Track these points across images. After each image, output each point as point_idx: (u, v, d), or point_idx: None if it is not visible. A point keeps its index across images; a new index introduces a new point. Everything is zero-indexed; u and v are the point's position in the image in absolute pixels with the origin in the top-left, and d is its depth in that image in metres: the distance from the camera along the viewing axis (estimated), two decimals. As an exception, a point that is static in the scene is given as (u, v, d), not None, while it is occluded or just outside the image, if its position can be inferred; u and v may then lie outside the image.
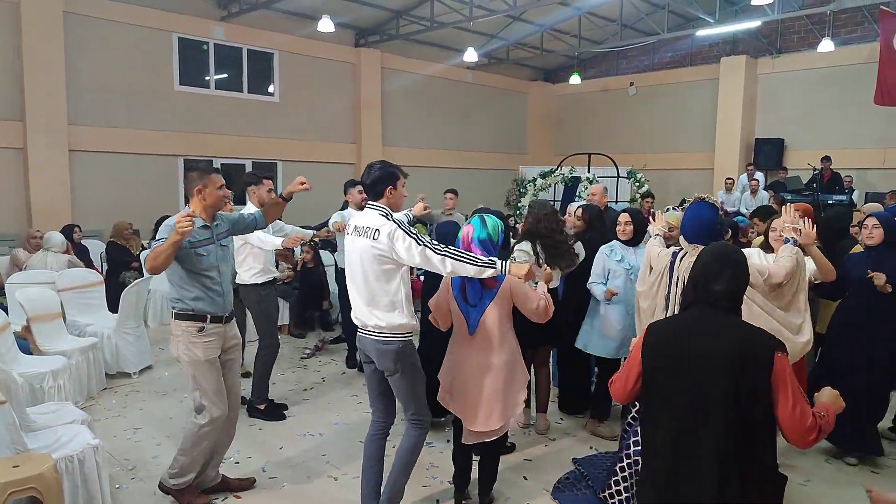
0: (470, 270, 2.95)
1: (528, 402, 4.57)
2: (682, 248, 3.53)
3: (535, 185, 11.76)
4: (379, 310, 3.02)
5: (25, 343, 4.97)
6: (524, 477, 3.88)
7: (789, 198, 11.17)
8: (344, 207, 6.24)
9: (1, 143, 8.90)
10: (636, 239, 4.31)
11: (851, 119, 12.05)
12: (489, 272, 2.95)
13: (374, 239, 2.95)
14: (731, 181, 11.85)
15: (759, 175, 12.07)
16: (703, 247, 2.64)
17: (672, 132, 14.52)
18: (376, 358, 3.11)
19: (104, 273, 7.75)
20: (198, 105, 10.79)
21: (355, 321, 3.15)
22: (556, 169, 11.74)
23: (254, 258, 4.75)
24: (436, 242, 2.97)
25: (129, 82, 9.94)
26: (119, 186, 9.84)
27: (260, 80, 11.74)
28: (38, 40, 8.90)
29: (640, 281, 3.78)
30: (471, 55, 12.27)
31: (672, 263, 3.49)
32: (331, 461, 4.08)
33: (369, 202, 3.10)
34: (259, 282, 4.77)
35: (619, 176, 11.52)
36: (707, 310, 2.13)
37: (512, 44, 13.88)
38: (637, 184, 11.47)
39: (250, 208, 4.49)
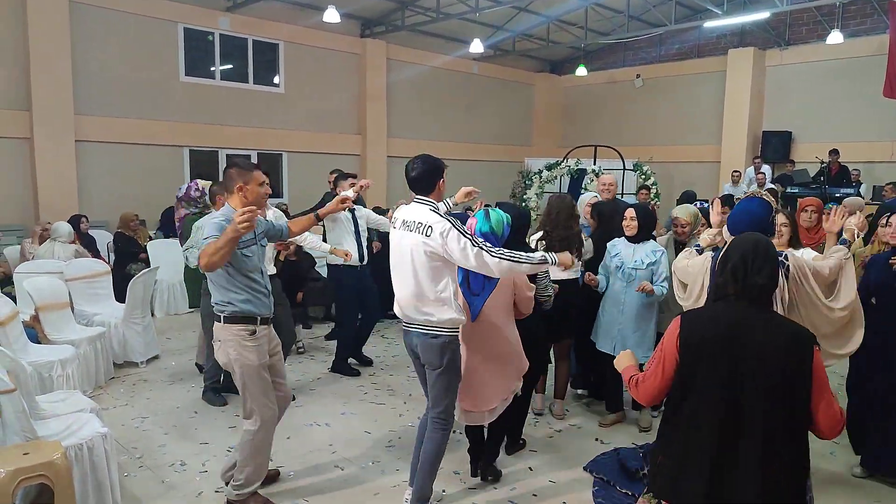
0: (525, 269, 2.99)
1: (543, 389, 4.68)
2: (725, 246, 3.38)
3: (540, 177, 11.75)
4: (427, 305, 3.04)
5: (34, 332, 5.00)
6: (529, 468, 3.90)
7: (795, 191, 11.16)
8: (328, 198, 6.31)
9: (8, 133, 8.92)
10: (640, 235, 4.26)
11: (860, 112, 11.96)
12: (544, 268, 3.06)
13: (426, 235, 2.95)
14: (737, 174, 11.80)
15: (766, 168, 12.01)
16: None
17: (679, 125, 14.45)
18: (422, 352, 3.13)
19: (111, 263, 7.78)
20: (203, 96, 10.78)
21: (399, 315, 3.17)
22: (562, 161, 11.72)
23: None
24: (488, 244, 2.97)
25: (135, 73, 9.95)
26: (125, 177, 9.86)
27: (265, 71, 11.72)
28: (44, 30, 8.91)
29: (683, 298, 3.54)
30: (476, 46, 12.22)
31: (713, 266, 3.29)
32: (337, 451, 4.10)
33: (417, 196, 3.11)
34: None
35: (625, 168, 11.50)
36: (745, 302, 2.08)
37: (518, 35, 13.80)
38: (643, 176, 11.44)
39: (277, 216, 4.57)
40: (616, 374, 4.47)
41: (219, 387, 4.89)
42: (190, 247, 4.54)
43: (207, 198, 5.27)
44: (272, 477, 3.64)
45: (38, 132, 8.99)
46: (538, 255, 3.03)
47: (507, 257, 2.93)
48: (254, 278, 3.22)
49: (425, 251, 2.97)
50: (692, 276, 3.41)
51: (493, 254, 2.90)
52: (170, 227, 8.64)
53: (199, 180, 5.74)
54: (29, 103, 8.95)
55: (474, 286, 3.32)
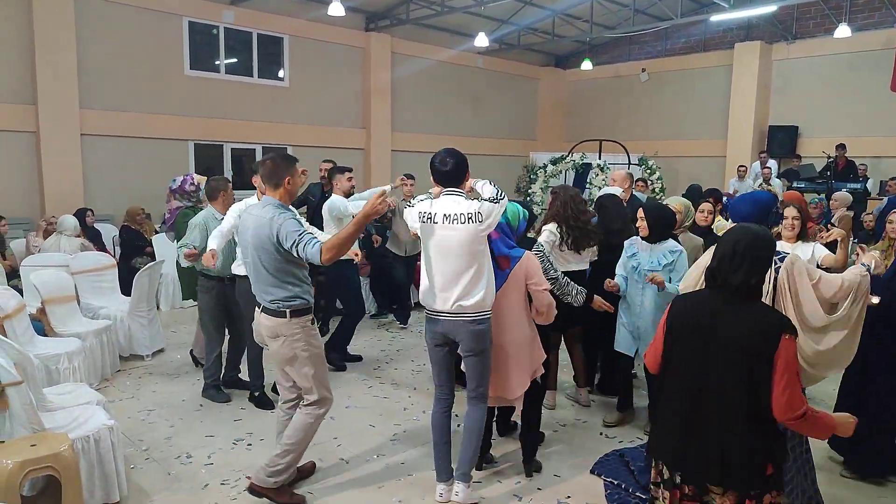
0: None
1: (555, 384, 4.69)
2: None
3: (545, 171, 11.72)
4: (478, 292, 3.12)
5: (40, 325, 5.03)
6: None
7: (801, 186, 11.11)
8: (313, 189, 6.35)
9: (13, 127, 8.94)
10: (654, 235, 4.08)
11: (867, 106, 11.88)
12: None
13: (479, 223, 3.05)
14: (743, 169, 11.74)
15: (772, 163, 11.96)
16: None
17: (684, 119, 14.38)
18: (467, 338, 3.17)
19: (117, 257, 7.80)
20: (208, 89, 10.78)
21: (437, 306, 3.19)
22: (567, 155, 11.68)
23: None
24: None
25: (140, 66, 9.94)
26: (130, 170, 9.87)
27: (270, 65, 11.70)
28: (49, 24, 8.91)
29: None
30: (481, 40, 12.17)
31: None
32: (342, 445, 4.11)
33: (448, 189, 3.16)
34: None
35: (629, 163, 11.46)
36: (726, 293, 2.22)
37: (523, 29, 13.75)
38: (648, 171, 11.40)
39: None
40: (628, 373, 4.45)
41: (220, 383, 4.90)
42: (185, 244, 4.46)
43: (203, 193, 5.26)
44: (309, 469, 3.67)
45: (43, 126, 9.01)
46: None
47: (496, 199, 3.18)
48: (306, 269, 3.26)
49: (480, 237, 3.08)
50: (696, 273, 3.38)
51: (495, 201, 3.15)
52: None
53: (194, 174, 5.73)
54: (35, 97, 8.96)
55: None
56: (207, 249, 4.17)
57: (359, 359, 5.84)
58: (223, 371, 4.98)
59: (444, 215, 3.09)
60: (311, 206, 6.45)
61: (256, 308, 3.30)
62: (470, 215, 3.05)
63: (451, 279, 3.12)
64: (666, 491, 2.29)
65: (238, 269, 4.40)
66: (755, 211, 3.14)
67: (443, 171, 3.15)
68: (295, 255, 3.01)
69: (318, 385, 3.28)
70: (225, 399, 4.79)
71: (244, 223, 3.27)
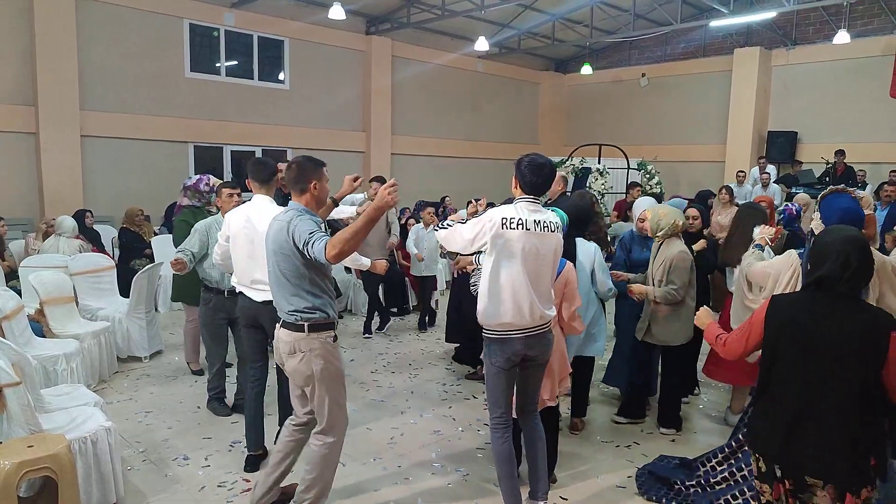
0: None
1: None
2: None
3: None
4: (553, 302, 3.13)
5: (39, 326, 5.03)
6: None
7: (800, 192, 11.11)
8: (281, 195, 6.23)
9: (13, 129, 8.95)
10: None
11: (866, 112, 11.92)
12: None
13: (561, 233, 3.08)
14: (742, 174, 11.76)
15: (771, 168, 11.97)
16: None
17: (684, 124, 14.41)
18: (545, 351, 3.12)
19: (116, 258, 7.80)
20: (208, 92, 10.80)
21: (524, 321, 2.98)
22: (567, 160, 11.70)
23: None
24: None
25: (141, 68, 9.97)
26: (130, 172, 9.89)
27: (270, 68, 11.73)
28: (50, 26, 8.93)
29: (753, 300, 3.54)
30: (482, 44, 12.21)
31: (805, 264, 3.12)
32: (339, 447, 4.11)
33: (527, 197, 3.01)
34: None
35: (629, 167, 11.48)
36: (831, 292, 2.26)
37: (523, 33, 13.79)
38: (648, 175, 11.43)
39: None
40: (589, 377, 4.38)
41: (223, 396, 4.68)
42: (183, 250, 4.23)
43: (214, 196, 5.02)
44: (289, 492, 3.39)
45: (43, 127, 9.02)
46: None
47: None
48: (329, 280, 3.06)
49: (559, 249, 3.09)
50: (773, 274, 3.36)
51: None
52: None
53: (211, 176, 5.59)
54: (35, 99, 8.98)
55: None
56: (174, 255, 4.04)
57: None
58: (235, 395, 4.69)
59: (536, 221, 2.95)
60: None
61: (277, 325, 3.07)
62: (556, 224, 3.05)
63: (541, 289, 3.00)
64: (766, 484, 2.37)
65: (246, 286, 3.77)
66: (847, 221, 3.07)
67: (537, 181, 2.99)
68: (306, 255, 2.81)
69: (334, 409, 3.02)
70: (226, 412, 4.57)
71: (268, 231, 3.06)
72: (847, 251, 2.23)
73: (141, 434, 4.24)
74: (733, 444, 3.33)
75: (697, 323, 2.81)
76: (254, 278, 3.61)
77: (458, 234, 3.00)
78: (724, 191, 8.53)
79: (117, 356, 5.56)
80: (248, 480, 3.64)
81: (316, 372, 2.94)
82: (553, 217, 3.06)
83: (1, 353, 3.12)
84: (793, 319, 2.30)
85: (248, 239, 3.60)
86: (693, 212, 4.88)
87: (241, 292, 3.71)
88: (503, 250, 2.93)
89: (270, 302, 3.29)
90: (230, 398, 4.73)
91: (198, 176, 5.59)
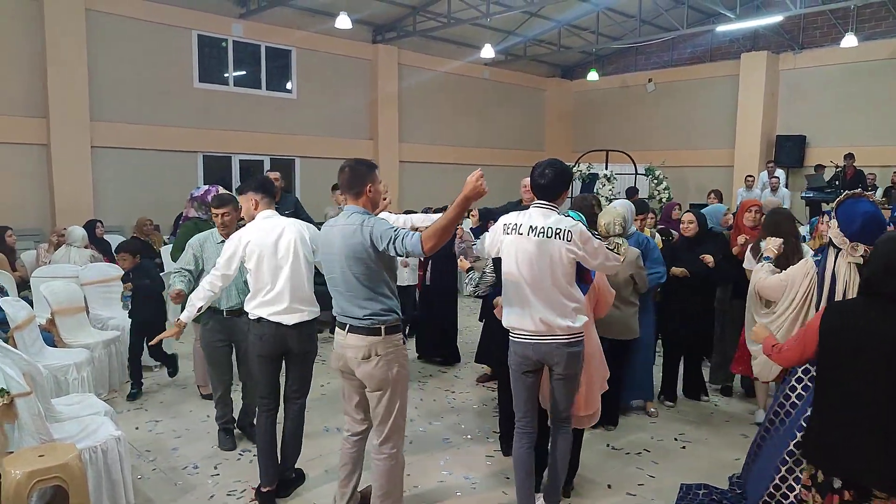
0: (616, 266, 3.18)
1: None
2: (830, 251, 3.06)
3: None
4: (568, 313, 2.96)
5: (50, 336, 5.06)
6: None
7: (810, 196, 11.04)
8: None
9: (25, 140, 9.05)
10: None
11: (875, 115, 11.85)
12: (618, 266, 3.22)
13: (567, 241, 2.89)
14: (751, 179, 11.72)
15: (780, 172, 11.92)
16: (863, 245, 2.77)
17: (691, 129, 14.38)
18: (562, 361, 3.00)
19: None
20: (217, 102, 10.89)
21: (528, 327, 2.99)
22: (574, 165, 11.69)
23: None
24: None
25: (150, 79, 10.06)
26: (139, 182, 9.97)
27: (278, 77, 11.81)
28: (61, 38, 9.04)
29: (767, 313, 3.49)
30: (488, 52, 12.24)
31: (822, 271, 3.09)
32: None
33: (539, 202, 3.02)
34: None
35: (636, 173, 11.46)
36: (882, 295, 2.28)
37: (529, 40, 13.82)
38: (655, 181, 11.39)
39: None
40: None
41: (230, 426, 4.29)
42: (179, 269, 3.97)
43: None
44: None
45: (54, 138, 9.12)
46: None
47: (613, 254, 3.08)
48: (395, 285, 3.00)
49: (568, 257, 2.92)
50: (789, 283, 3.29)
51: (612, 251, 3.05)
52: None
53: (220, 187, 5.51)
54: (46, 110, 9.07)
55: None
56: (173, 288, 3.75)
57: None
58: (239, 417, 4.36)
59: (532, 227, 2.94)
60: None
61: (339, 331, 2.97)
62: (558, 230, 2.90)
63: (545, 296, 2.94)
64: (818, 494, 2.33)
65: (257, 308, 3.39)
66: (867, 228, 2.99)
67: (540, 184, 3.00)
68: (392, 252, 2.74)
69: (398, 417, 2.97)
70: (230, 446, 4.16)
71: (328, 238, 2.96)
72: (890, 254, 2.26)
73: (151, 443, 4.26)
74: (787, 458, 3.07)
75: (755, 338, 2.90)
76: (294, 300, 3.33)
77: (483, 242, 3.20)
78: (712, 195, 8.51)
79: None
80: (255, 488, 3.64)
81: (392, 376, 2.91)
82: (562, 223, 2.92)
83: (12, 363, 3.15)
84: (845, 325, 2.29)
85: (274, 256, 3.33)
86: (688, 216, 4.86)
87: (260, 318, 3.36)
88: (503, 254, 3.05)
89: (302, 323, 3.33)
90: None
91: (206, 187, 5.51)
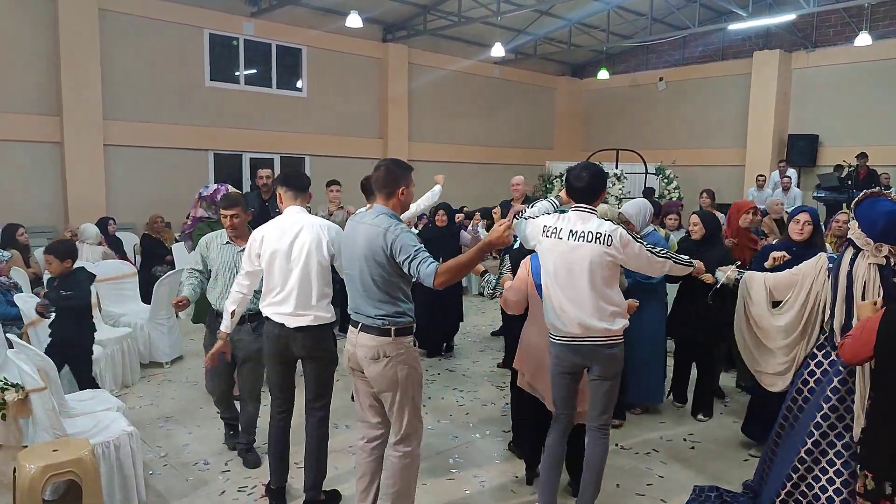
0: (680, 270, 3.18)
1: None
2: (848, 251, 3.01)
3: (561, 180, 11.69)
4: (606, 316, 2.98)
5: (63, 332, 5.09)
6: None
7: (822, 195, 10.95)
8: (260, 200, 5.97)
9: (39, 138, 9.14)
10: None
11: (889, 115, 11.72)
12: (688, 271, 3.27)
13: (607, 245, 2.91)
14: (762, 178, 11.63)
15: (792, 172, 11.83)
16: (887, 245, 2.74)
17: (702, 128, 14.30)
18: (602, 364, 3.03)
19: (137, 265, 7.91)
20: (228, 100, 10.94)
21: (569, 330, 3.00)
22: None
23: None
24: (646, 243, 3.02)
25: (162, 78, 10.13)
26: (151, 180, 10.04)
27: (288, 76, 11.86)
28: (74, 38, 9.11)
29: (776, 312, 3.39)
30: (498, 50, 12.22)
31: (836, 270, 3.03)
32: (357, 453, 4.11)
33: (578, 205, 3.04)
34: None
35: (647, 172, 11.40)
36: None
37: (540, 38, 13.78)
38: (665, 180, 11.34)
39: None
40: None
41: (237, 424, 4.08)
42: (190, 269, 3.94)
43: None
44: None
45: (67, 137, 9.20)
46: (687, 259, 3.12)
47: (670, 257, 3.06)
48: (410, 288, 2.98)
49: (607, 261, 2.93)
50: (800, 279, 3.23)
51: (657, 254, 3.00)
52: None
53: (229, 186, 5.46)
54: (59, 108, 9.16)
55: None
56: (180, 294, 3.68)
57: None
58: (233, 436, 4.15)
59: (571, 231, 2.95)
60: (251, 216, 5.84)
61: (351, 328, 2.95)
62: (598, 234, 2.91)
63: (582, 300, 2.96)
64: (868, 502, 2.32)
65: (266, 307, 3.32)
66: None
67: (577, 187, 3.02)
68: (405, 270, 2.74)
69: (412, 416, 2.96)
70: (255, 463, 3.91)
71: (352, 234, 2.95)
72: None
73: (162, 439, 4.30)
74: (799, 465, 3.05)
75: (863, 313, 2.67)
76: (300, 304, 3.23)
77: (524, 228, 3.17)
78: (704, 194, 8.43)
79: (140, 362, 5.63)
80: (265, 484, 3.66)
81: (401, 378, 2.88)
82: (603, 227, 2.93)
83: (27, 359, 3.19)
84: None
85: (286, 258, 3.25)
86: (694, 218, 4.69)
87: (268, 317, 3.31)
88: (542, 256, 3.08)
89: (305, 328, 3.22)
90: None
91: (215, 185, 5.45)
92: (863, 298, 2.85)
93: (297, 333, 3.25)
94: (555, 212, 3.13)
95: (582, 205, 3.03)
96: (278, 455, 3.46)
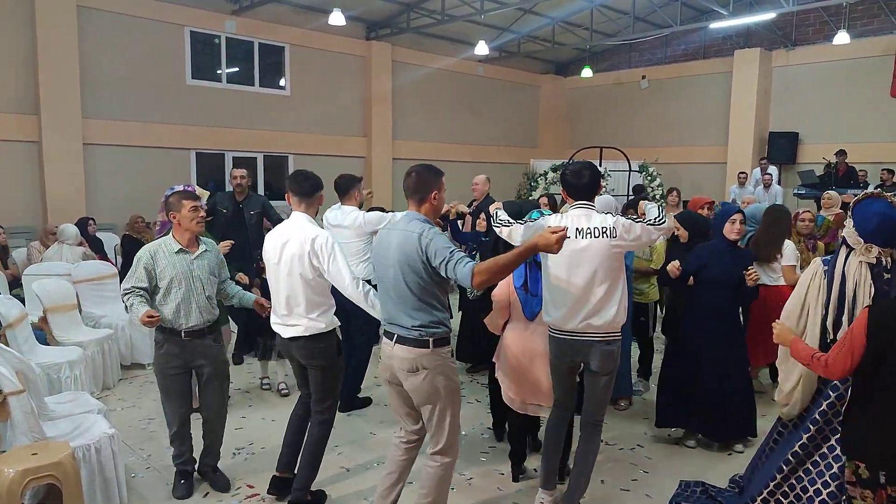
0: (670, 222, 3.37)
1: None
2: (842, 249, 3.01)
3: (546, 178, 11.75)
4: (609, 311, 3.02)
5: (42, 334, 5.04)
6: (535, 469, 3.90)
7: (802, 192, 11.09)
8: (233, 201, 5.85)
9: (16, 137, 8.99)
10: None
11: (867, 112, 11.91)
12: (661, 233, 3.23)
13: (612, 237, 2.97)
14: (744, 175, 11.75)
15: (773, 169, 11.97)
16: (876, 246, 2.76)
17: (685, 126, 14.42)
18: (601, 359, 3.07)
19: (118, 266, 7.82)
20: (210, 99, 10.84)
21: (565, 324, 3.07)
22: (568, 162, 11.71)
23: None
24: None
25: (142, 76, 10.01)
26: (132, 179, 9.91)
27: (271, 74, 11.77)
28: (52, 35, 8.97)
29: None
30: (482, 48, 12.23)
31: (832, 269, 3.01)
32: (343, 452, 4.11)
33: (578, 203, 3.08)
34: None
35: (630, 170, 11.48)
36: None
37: (523, 37, 13.81)
38: (649, 177, 11.43)
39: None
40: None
41: (189, 469, 3.65)
42: (130, 289, 3.33)
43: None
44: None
45: (46, 136, 9.06)
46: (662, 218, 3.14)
47: (663, 219, 3.09)
48: (448, 298, 2.95)
49: (614, 253, 2.99)
50: (798, 287, 3.15)
51: (654, 222, 3.07)
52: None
53: (196, 186, 5.38)
54: (37, 107, 9.01)
55: (532, 288, 3.39)
56: (140, 310, 3.20)
57: (368, 402, 4.96)
58: (200, 457, 3.71)
59: (577, 229, 2.99)
60: (223, 217, 5.75)
61: (386, 341, 2.89)
62: (603, 229, 2.97)
63: (580, 296, 3.01)
64: (867, 490, 2.37)
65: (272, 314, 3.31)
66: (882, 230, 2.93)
67: (582, 183, 3.07)
68: (442, 273, 2.69)
69: (451, 429, 2.91)
70: (184, 493, 3.55)
71: (384, 241, 2.90)
72: None
73: (144, 441, 4.25)
74: (791, 458, 3.05)
75: (777, 340, 2.80)
76: (290, 313, 3.24)
77: (516, 233, 3.26)
78: (674, 192, 8.53)
79: (121, 363, 5.57)
80: (251, 486, 3.64)
81: (441, 389, 2.83)
82: (606, 221, 3.00)
83: (5, 361, 3.13)
84: (891, 324, 2.32)
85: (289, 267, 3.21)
86: (674, 221, 4.64)
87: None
88: (547, 256, 3.07)
89: (297, 338, 3.23)
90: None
91: (181, 186, 4.85)
92: (854, 295, 2.88)
93: (292, 343, 3.29)
94: (658, 216, 3.11)
95: (582, 202, 3.09)
96: (289, 442, 3.48)
